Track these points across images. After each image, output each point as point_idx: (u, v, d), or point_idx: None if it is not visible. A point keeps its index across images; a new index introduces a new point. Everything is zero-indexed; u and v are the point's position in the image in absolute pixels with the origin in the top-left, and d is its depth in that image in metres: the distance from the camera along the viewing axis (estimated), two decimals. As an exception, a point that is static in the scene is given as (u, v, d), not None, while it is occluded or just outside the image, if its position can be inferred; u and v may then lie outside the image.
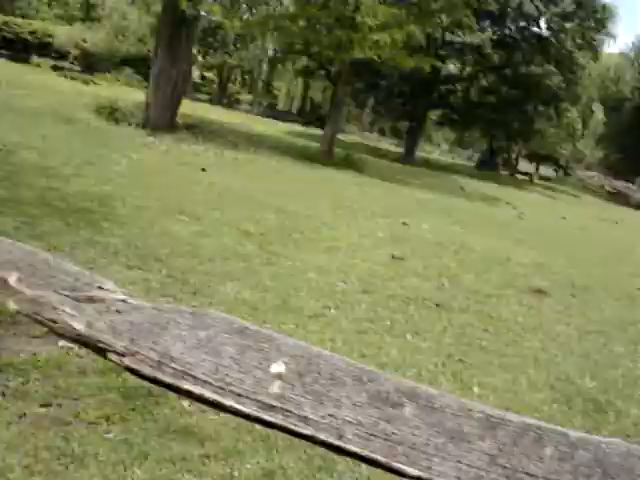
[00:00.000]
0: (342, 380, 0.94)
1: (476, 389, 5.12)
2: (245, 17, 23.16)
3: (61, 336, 1.04)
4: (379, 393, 0.93)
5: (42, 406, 3.51)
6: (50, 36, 43.76)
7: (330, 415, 0.90)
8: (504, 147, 45.84)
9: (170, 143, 16.93)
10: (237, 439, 3.36)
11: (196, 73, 53.15)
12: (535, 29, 35.24)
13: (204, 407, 3.47)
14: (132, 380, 3.99)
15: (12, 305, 1.07)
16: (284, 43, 27.62)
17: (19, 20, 46.52)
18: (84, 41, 42.94)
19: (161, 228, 8.22)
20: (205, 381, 0.94)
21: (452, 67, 37.94)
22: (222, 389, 0.94)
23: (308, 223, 10.86)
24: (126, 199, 9.35)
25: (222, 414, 3.14)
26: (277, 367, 0.96)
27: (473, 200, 21.40)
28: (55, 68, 38.58)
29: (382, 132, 60.53)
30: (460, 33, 32.89)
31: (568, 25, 34.25)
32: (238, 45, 47.65)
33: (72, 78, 34.54)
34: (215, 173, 14.06)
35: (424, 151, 47.85)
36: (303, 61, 34.69)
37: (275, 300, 6.46)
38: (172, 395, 3.80)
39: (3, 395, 3.58)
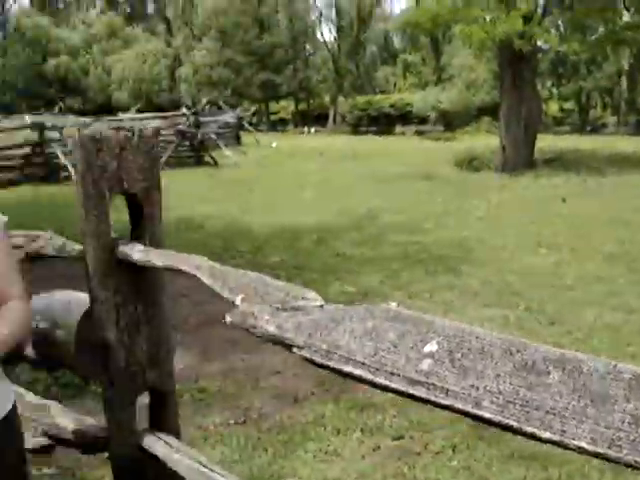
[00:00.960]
0: (490, 353, 0.99)
1: None
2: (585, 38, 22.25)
3: (259, 337, 1.24)
4: (525, 363, 0.95)
5: (394, 439, 3.78)
6: (409, 105, 46.64)
7: (471, 386, 0.95)
8: None
9: (528, 180, 16.81)
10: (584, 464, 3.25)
11: (554, 107, 52.09)
12: None
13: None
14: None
15: (228, 318, 1.31)
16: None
17: (378, 97, 50.64)
18: (439, 102, 44.91)
19: (519, 264, 8.22)
20: (363, 363, 1.06)
21: None
22: (376, 370, 1.04)
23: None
24: (484, 241, 9.55)
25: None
26: (430, 346, 1.03)
27: None
28: (418, 133, 40.96)
29: None
30: None
31: None
32: (591, 68, 45.76)
33: (435, 139, 36.30)
34: (576, 202, 13.58)
35: None
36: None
37: (640, 322, 6.04)
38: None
39: (362, 431, 3.93)
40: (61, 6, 68.63)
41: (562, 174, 18.19)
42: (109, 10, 65.62)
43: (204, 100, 27.23)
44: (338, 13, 61.22)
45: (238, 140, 26.97)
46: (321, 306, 1.21)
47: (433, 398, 0.94)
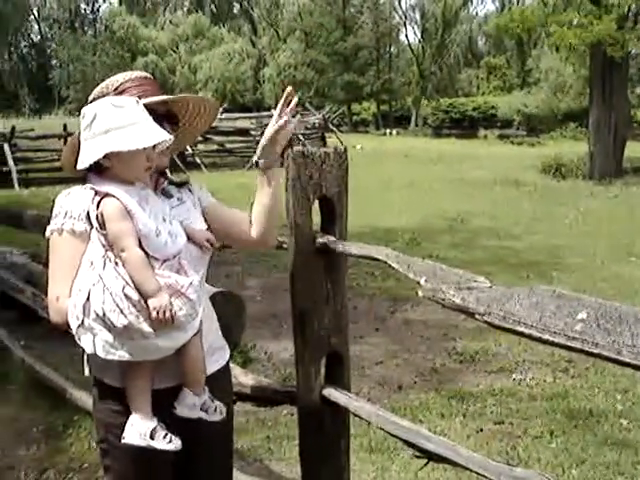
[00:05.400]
0: (626, 320, 1.39)
1: None
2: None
3: (446, 307, 1.66)
4: (653, 326, 1.36)
5: (495, 424, 4.17)
6: (493, 108, 46.39)
7: (613, 341, 1.36)
8: None
9: (617, 189, 16.76)
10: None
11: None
12: None
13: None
14: (576, 403, 4.43)
15: (420, 293, 1.73)
16: None
17: (462, 99, 50.56)
18: (525, 106, 44.53)
19: (610, 272, 8.40)
20: (532, 325, 1.47)
21: None
22: (543, 330, 1.46)
23: None
24: (574, 249, 9.73)
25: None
26: (581, 315, 1.44)
27: None
28: (501, 137, 40.73)
29: None
30: None
31: None
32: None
33: (518, 144, 36.12)
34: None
35: None
36: None
37: None
38: (611, 416, 4.15)
39: (464, 416, 4.33)
40: (149, 6, 70.88)
41: (652, 182, 18.03)
42: (196, 10, 67.40)
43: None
44: (423, 15, 61.28)
45: (323, 141, 27.50)
46: (490, 286, 1.63)
47: (586, 349, 1.35)
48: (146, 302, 1.74)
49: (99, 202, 1.80)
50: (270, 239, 2.16)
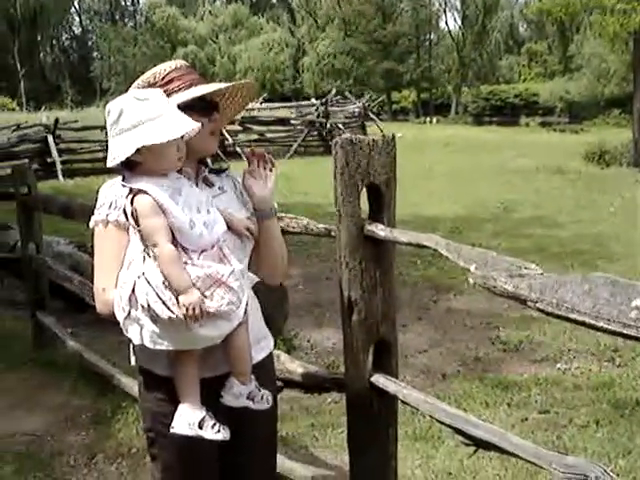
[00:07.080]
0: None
1: None
2: None
3: (498, 295, 1.65)
4: None
5: (540, 413, 4.14)
6: (535, 95, 45.79)
7: (669, 328, 1.34)
8: None
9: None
10: None
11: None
12: None
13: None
14: (622, 393, 4.38)
15: (471, 280, 1.73)
16: None
17: (503, 86, 49.98)
18: (567, 92, 43.87)
19: (655, 261, 8.26)
20: (585, 313, 1.46)
21: None
22: (596, 317, 1.45)
23: None
24: (619, 237, 9.57)
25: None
26: (636, 302, 1.43)
27: None
28: (543, 124, 40.21)
29: None
30: None
31: None
32: None
33: (560, 131, 35.66)
34: None
35: None
36: None
37: None
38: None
39: (508, 405, 4.31)
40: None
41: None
42: (235, 0, 67.53)
43: (333, 90, 27.78)
44: (463, 1, 60.54)
45: (364, 130, 27.39)
46: (542, 274, 1.62)
47: (642, 337, 1.34)
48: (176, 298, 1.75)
49: (132, 199, 1.82)
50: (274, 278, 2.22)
